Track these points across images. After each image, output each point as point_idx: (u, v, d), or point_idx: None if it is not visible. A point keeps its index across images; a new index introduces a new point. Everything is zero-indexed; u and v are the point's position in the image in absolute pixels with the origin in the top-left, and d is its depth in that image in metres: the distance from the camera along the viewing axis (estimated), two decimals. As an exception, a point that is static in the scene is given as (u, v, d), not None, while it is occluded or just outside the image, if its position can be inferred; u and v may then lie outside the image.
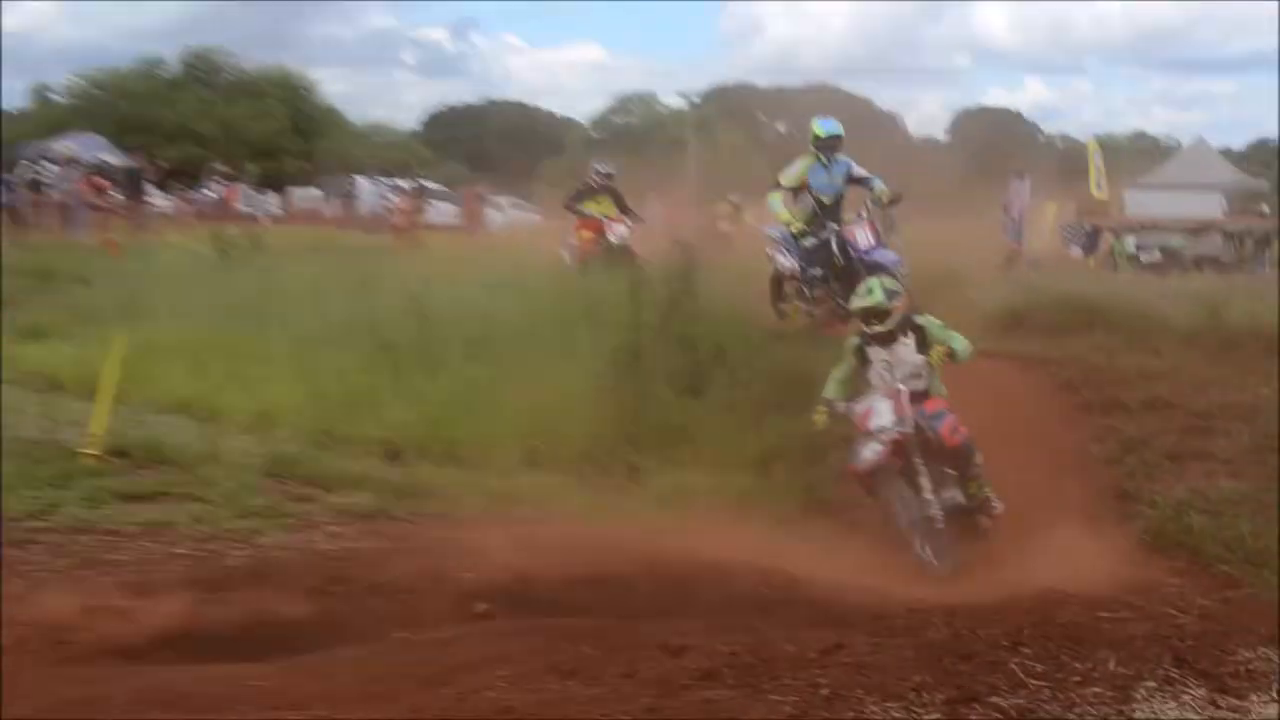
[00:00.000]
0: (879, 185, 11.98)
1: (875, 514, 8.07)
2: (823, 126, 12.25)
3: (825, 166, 12.01)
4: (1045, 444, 9.35)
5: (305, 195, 42.85)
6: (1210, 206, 30.21)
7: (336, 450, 8.53)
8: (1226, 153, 48.13)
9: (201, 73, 56.58)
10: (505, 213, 42.60)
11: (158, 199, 34.10)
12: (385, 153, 55.84)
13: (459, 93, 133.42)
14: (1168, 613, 4.98)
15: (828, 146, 12.03)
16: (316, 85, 59.97)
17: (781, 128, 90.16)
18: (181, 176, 40.54)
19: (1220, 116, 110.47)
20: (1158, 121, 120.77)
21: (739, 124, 79.55)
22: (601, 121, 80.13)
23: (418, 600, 5.61)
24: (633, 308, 10.39)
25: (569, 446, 8.72)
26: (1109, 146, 65.11)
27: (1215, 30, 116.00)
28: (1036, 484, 8.42)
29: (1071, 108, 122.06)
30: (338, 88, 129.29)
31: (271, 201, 39.29)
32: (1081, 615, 5.01)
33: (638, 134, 72.82)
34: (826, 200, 11.96)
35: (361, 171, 42.34)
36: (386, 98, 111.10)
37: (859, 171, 12.17)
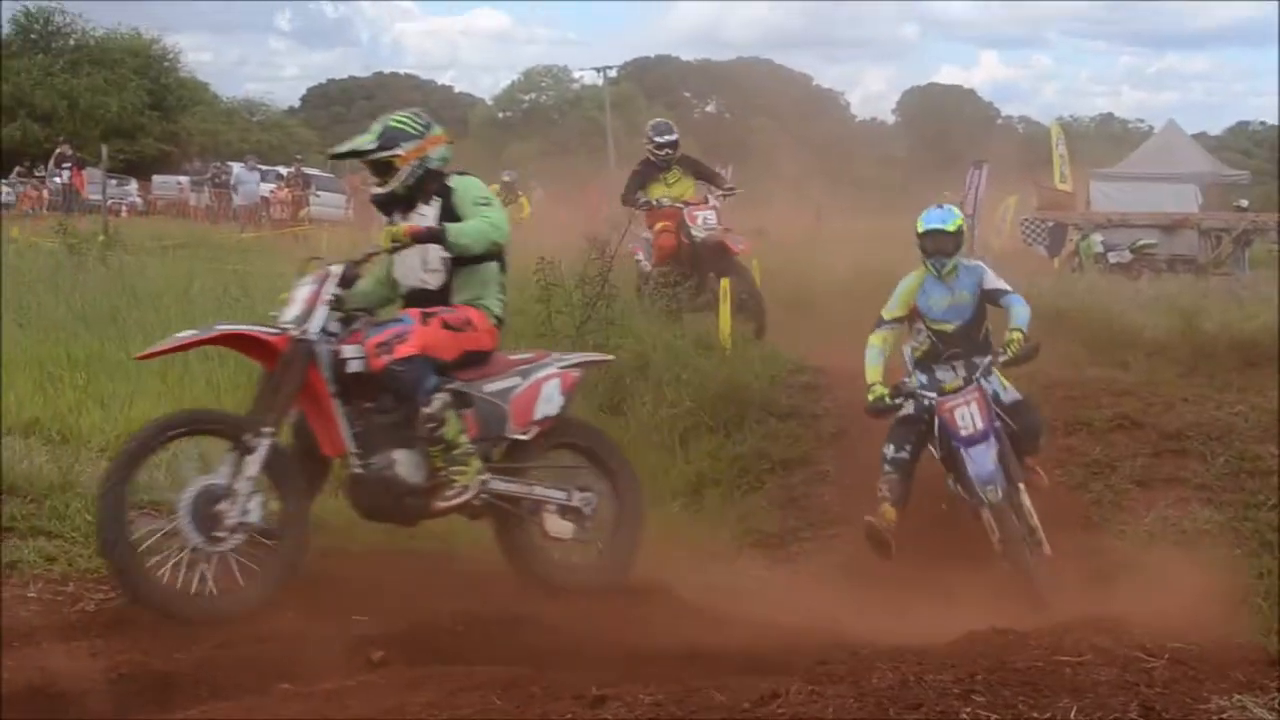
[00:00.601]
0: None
1: (817, 546, 8.24)
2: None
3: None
4: (1003, 468, 9.56)
5: (169, 183, 42.29)
6: (1184, 200, 30.80)
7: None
8: (1202, 138, 49.39)
9: (39, 36, 55.38)
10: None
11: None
12: (260, 134, 55.36)
13: (343, 64, 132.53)
14: (1136, 656, 5.13)
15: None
16: (178, 54, 59.17)
17: (710, 106, 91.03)
18: (20, 159, 39.82)
19: (1194, 98, 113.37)
20: (1126, 103, 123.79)
21: (662, 102, 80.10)
22: (507, 98, 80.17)
23: (305, 647, 5.62)
24: (544, 313, 10.46)
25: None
26: (1073, 131, 66.57)
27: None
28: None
29: (1032, 87, 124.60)
30: (203, 57, 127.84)
31: (130, 190, 38.79)
32: (1040, 659, 5.13)
33: (548, 112, 72.93)
34: None
35: (233, 155, 41.88)
36: (260, 70, 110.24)
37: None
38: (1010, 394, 8.41)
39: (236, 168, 37.09)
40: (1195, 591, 7.60)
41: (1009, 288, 8.66)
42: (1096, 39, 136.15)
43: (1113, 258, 26.66)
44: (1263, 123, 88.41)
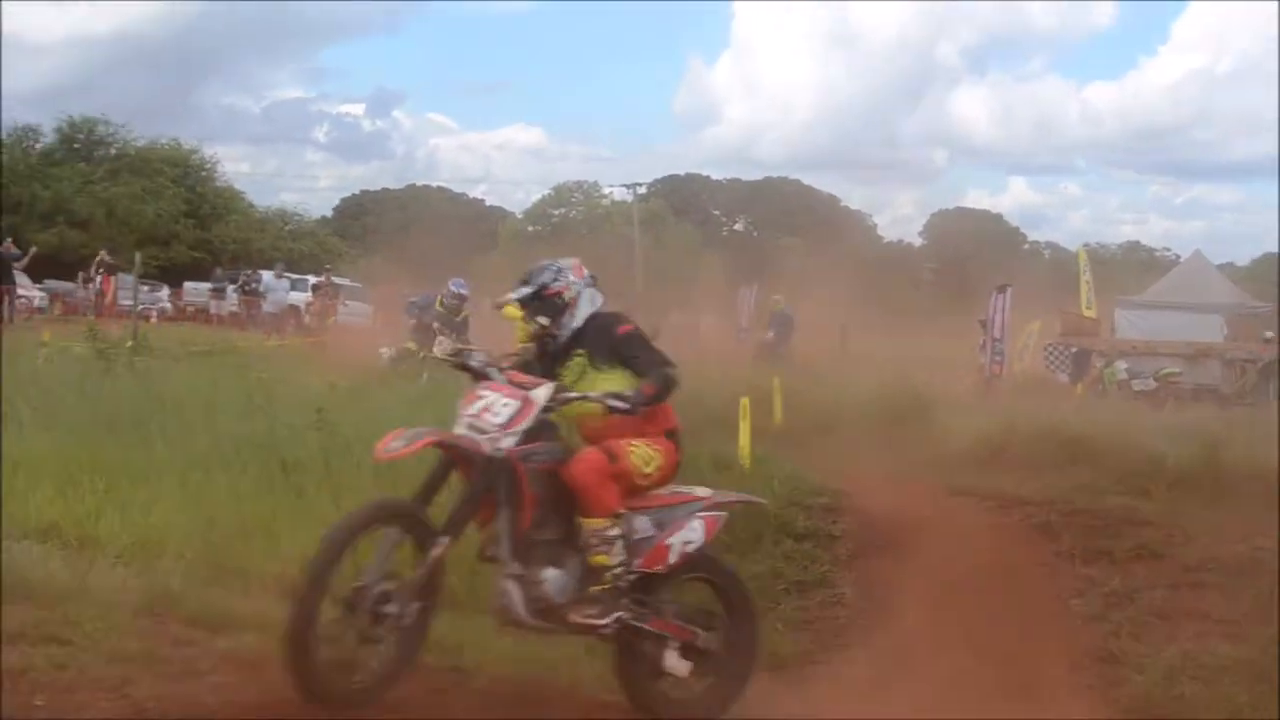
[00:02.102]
0: None
1: (831, 670, 8.16)
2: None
3: None
4: (1021, 596, 9.50)
5: (200, 289, 42.81)
6: (1209, 329, 30.84)
7: (227, 585, 8.43)
8: (1228, 269, 49.51)
9: (81, 145, 56.40)
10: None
11: (28, 289, 33.92)
12: (292, 243, 56.04)
13: (378, 177, 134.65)
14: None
15: None
16: (215, 164, 60.23)
17: (739, 225, 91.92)
18: (57, 264, 40.31)
19: (1221, 228, 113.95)
20: (1153, 231, 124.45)
21: (691, 219, 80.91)
22: (537, 211, 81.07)
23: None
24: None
25: (487, 585, 8.71)
26: (1100, 258, 66.91)
27: (1214, 132, 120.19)
28: (1010, 642, 8.55)
29: (1059, 213, 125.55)
30: (240, 167, 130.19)
31: (162, 295, 39.27)
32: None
33: (577, 227, 73.66)
34: None
35: (265, 264, 42.38)
36: (296, 181, 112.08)
37: None
38: None
39: (266, 275, 37.52)
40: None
41: None
42: (1125, 168, 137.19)
43: (1137, 385, 26.65)
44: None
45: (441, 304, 17.80)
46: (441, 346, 14.02)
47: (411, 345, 17.77)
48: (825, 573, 9.90)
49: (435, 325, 17.65)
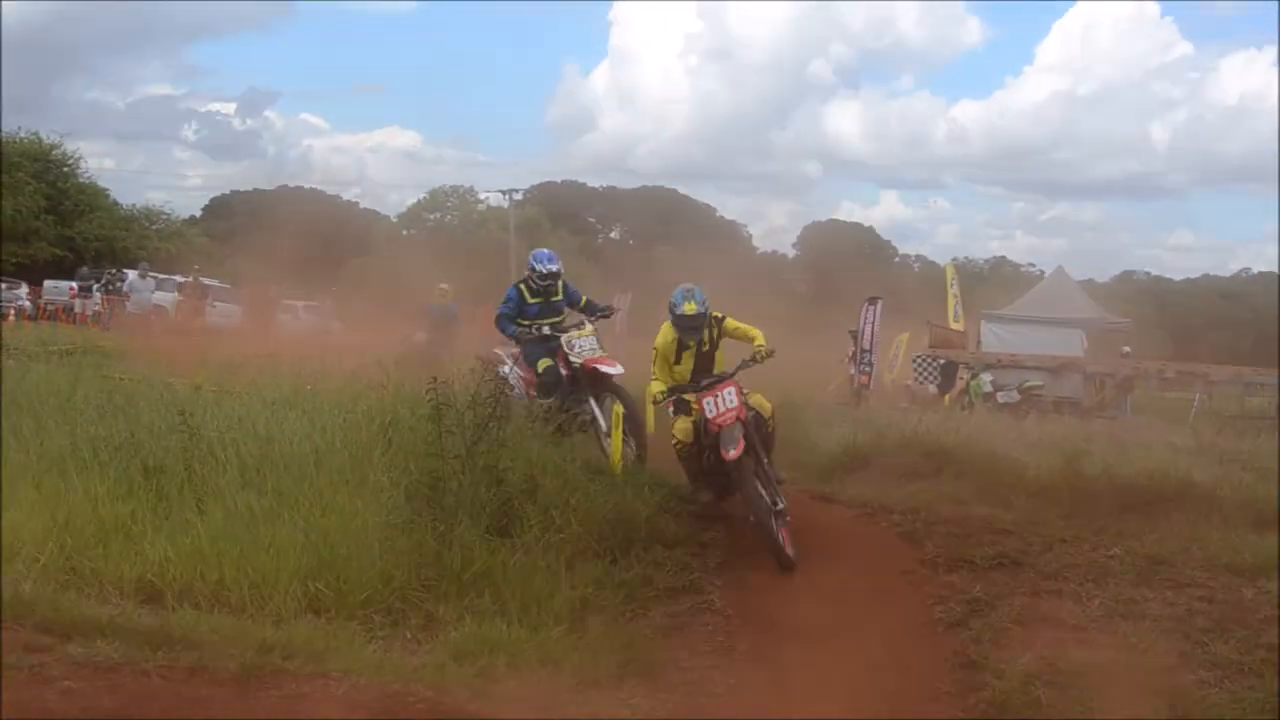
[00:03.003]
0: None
1: (699, 676, 8.21)
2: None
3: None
4: (885, 603, 9.66)
5: (60, 288, 41.72)
6: (1071, 344, 31.60)
7: (82, 591, 8.27)
8: (1089, 285, 50.85)
9: (-69, 136, 54.54)
10: (299, 317, 42.11)
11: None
12: (159, 242, 54.86)
13: (249, 177, 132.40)
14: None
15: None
16: (78, 159, 58.66)
17: (615, 233, 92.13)
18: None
19: (1084, 245, 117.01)
20: (1019, 247, 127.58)
21: (567, 226, 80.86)
22: (412, 215, 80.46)
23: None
24: (435, 433, 10.41)
25: (356, 590, 8.61)
26: (967, 272, 68.34)
27: (1076, 152, 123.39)
28: (874, 648, 8.69)
29: (929, 227, 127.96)
30: (104, 164, 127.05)
31: (20, 294, 38.18)
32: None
33: (453, 231, 73.25)
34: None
35: (130, 262, 41.41)
36: (164, 179, 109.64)
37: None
38: None
39: (130, 275, 36.66)
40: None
41: None
42: (993, 185, 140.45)
43: (1001, 398, 27.22)
44: (1147, 273, 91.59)
45: (527, 286, 14.14)
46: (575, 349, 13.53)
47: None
48: (695, 579, 9.94)
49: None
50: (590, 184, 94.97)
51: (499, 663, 7.93)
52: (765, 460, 10.69)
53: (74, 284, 40.98)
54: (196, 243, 61.07)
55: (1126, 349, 32.71)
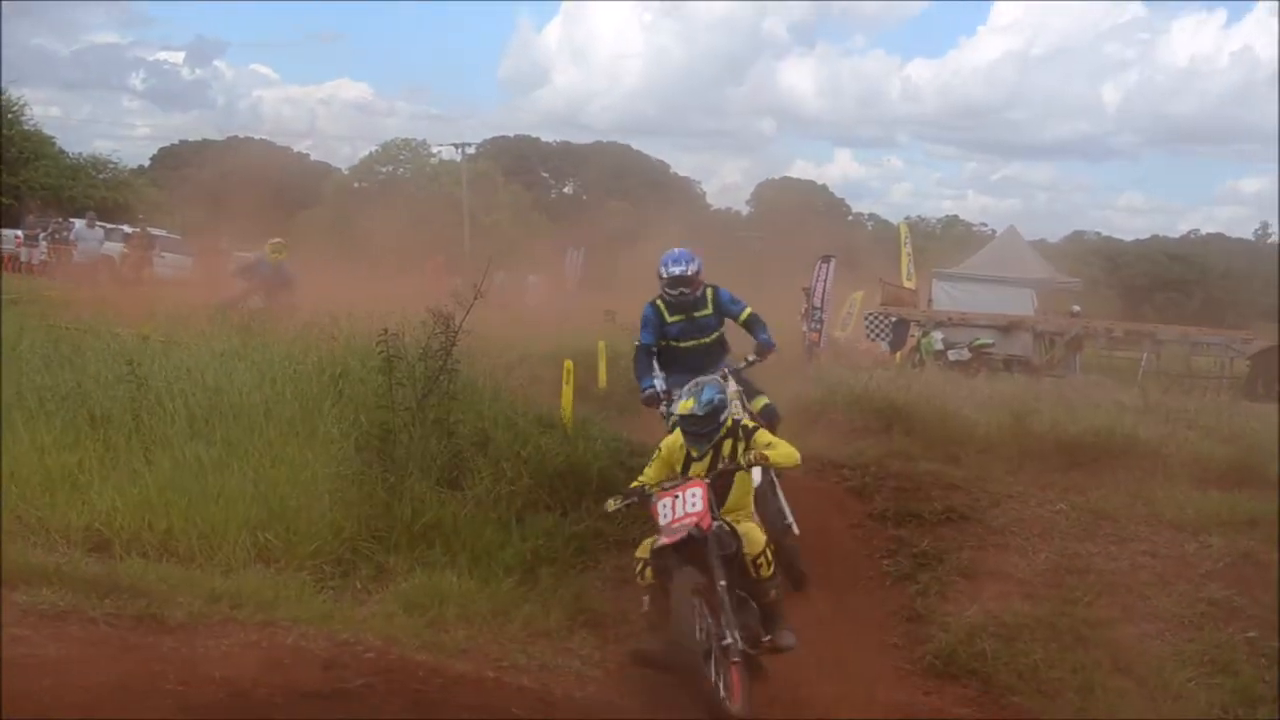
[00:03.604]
0: None
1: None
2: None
3: None
4: (835, 557, 9.75)
5: (6, 237, 41.13)
6: (1021, 303, 31.80)
7: (28, 539, 8.21)
8: (1040, 245, 51.14)
9: None
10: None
11: None
12: (106, 191, 54.15)
13: (198, 127, 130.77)
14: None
15: None
16: (22, 105, 57.72)
17: (568, 188, 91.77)
18: None
19: (1035, 206, 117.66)
20: (971, 207, 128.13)
21: (520, 181, 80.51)
22: (364, 168, 79.77)
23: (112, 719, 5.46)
24: (385, 385, 10.38)
25: (306, 541, 8.60)
26: (920, 231, 68.56)
27: (1029, 112, 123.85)
28: (822, 601, 8.78)
29: (883, 186, 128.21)
30: (50, 111, 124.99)
31: (-36, 242, 37.59)
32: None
33: (405, 185, 72.72)
34: None
35: (76, 212, 40.85)
36: (112, 129, 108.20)
37: None
38: None
39: (77, 224, 36.18)
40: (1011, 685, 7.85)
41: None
42: (946, 144, 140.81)
43: (951, 355, 27.35)
44: (1098, 233, 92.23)
45: (663, 300, 10.14)
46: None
47: None
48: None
49: None
50: (544, 139, 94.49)
51: (449, 613, 7.96)
52: (723, 584, 7.48)
53: (19, 233, 40.42)
54: (145, 193, 60.29)
55: (1076, 308, 32.87)
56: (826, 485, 11.58)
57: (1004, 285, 32.48)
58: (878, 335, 30.91)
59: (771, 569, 7.68)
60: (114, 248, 36.92)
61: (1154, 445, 12.86)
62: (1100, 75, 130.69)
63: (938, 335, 28.51)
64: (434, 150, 78.28)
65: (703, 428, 8.11)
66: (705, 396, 8.09)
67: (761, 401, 10.02)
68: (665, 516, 7.66)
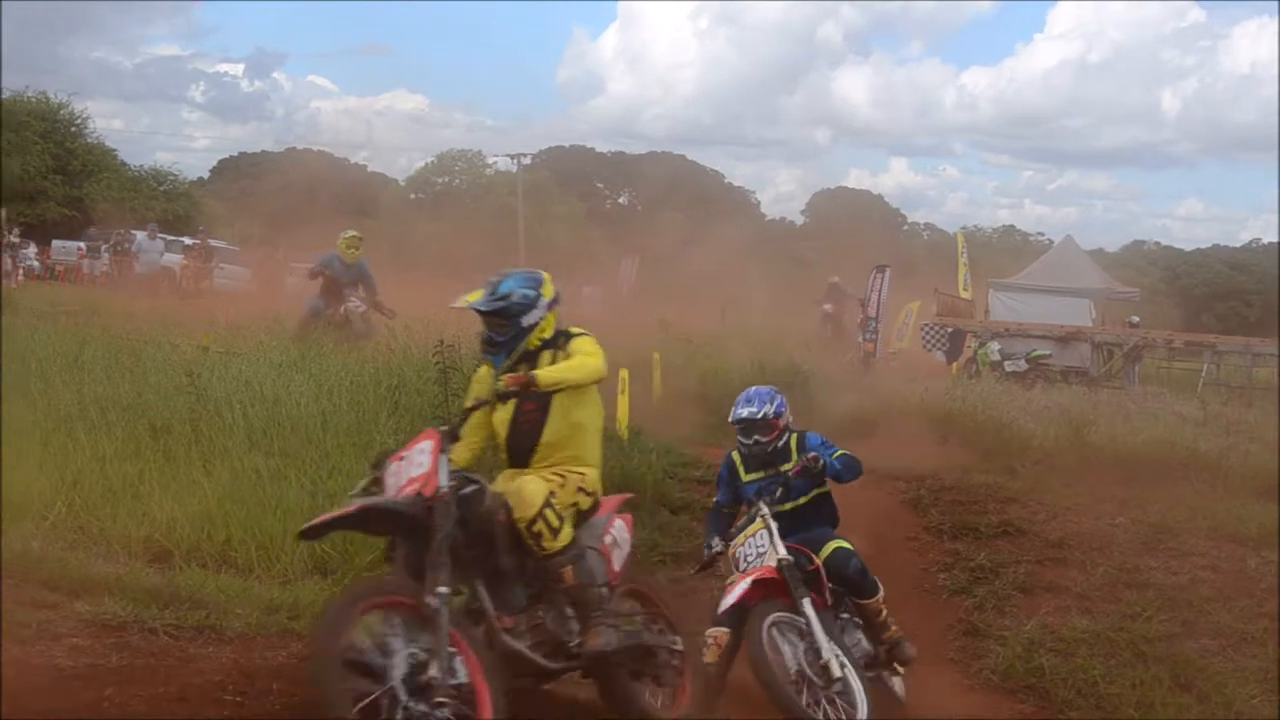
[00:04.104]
0: None
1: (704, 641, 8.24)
2: None
3: None
4: (890, 570, 9.67)
5: (69, 248, 41.70)
6: (1079, 313, 31.55)
7: (90, 550, 8.30)
8: (1098, 254, 50.72)
9: (-62, 95, 54.33)
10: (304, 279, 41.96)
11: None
12: (167, 203, 54.72)
13: (257, 139, 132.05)
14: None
15: None
16: (86, 119, 58.48)
17: (623, 198, 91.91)
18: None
19: (1093, 215, 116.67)
20: (1028, 216, 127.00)
21: (574, 191, 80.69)
22: (420, 179, 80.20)
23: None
24: (441, 396, 10.43)
25: (362, 552, 8.61)
26: (976, 240, 68.11)
27: (1086, 120, 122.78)
28: (878, 614, 8.70)
29: (938, 195, 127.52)
30: (112, 124, 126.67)
31: (29, 254, 38.13)
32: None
33: (461, 196, 73.07)
34: None
35: (138, 224, 41.35)
36: (172, 140, 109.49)
37: None
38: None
39: (139, 236, 36.64)
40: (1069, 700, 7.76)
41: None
42: (1002, 153, 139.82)
43: (1008, 366, 27.13)
44: (1157, 242, 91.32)
45: (739, 453, 8.19)
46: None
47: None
48: (700, 545, 9.98)
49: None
50: (598, 149, 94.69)
51: (504, 625, 7.95)
52: (806, 603, 6.88)
53: (82, 244, 40.98)
54: (205, 204, 60.96)
55: (1135, 319, 32.55)
56: (882, 496, 11.53)
57: (1061, 295, 32.23)
58: (934, 346, 30.71)
59: (561, 536, 6.11)
60: (174, 259, 37.37)
61: (1215, 458, 12.73)
62: (1159, 82, 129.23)
63: (994, 346, 28.28)
64: (489, 161, 78.61)
65: (497, 331, 6.47)
66: (506, 286, 6.47)
67: (831, 547, 7.59)
68: (391, 487, 5.81)
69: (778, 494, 7.46)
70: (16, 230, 35.12)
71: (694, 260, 42.24)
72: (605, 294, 42.40)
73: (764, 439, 7.91)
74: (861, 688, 6.68)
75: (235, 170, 79.94)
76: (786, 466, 7.75)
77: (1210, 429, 14.59)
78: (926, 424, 14.52)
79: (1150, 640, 8.46)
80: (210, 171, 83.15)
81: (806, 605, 6.86)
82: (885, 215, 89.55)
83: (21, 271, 34.43)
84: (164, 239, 37.68)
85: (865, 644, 7.37)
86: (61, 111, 56.47)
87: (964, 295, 34.88)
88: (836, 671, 6.64)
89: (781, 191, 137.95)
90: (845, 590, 7.46)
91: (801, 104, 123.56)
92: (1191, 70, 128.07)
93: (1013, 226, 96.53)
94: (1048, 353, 28.10)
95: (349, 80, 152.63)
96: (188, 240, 40.58)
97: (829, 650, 6.72)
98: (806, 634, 6.81)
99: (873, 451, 13.16)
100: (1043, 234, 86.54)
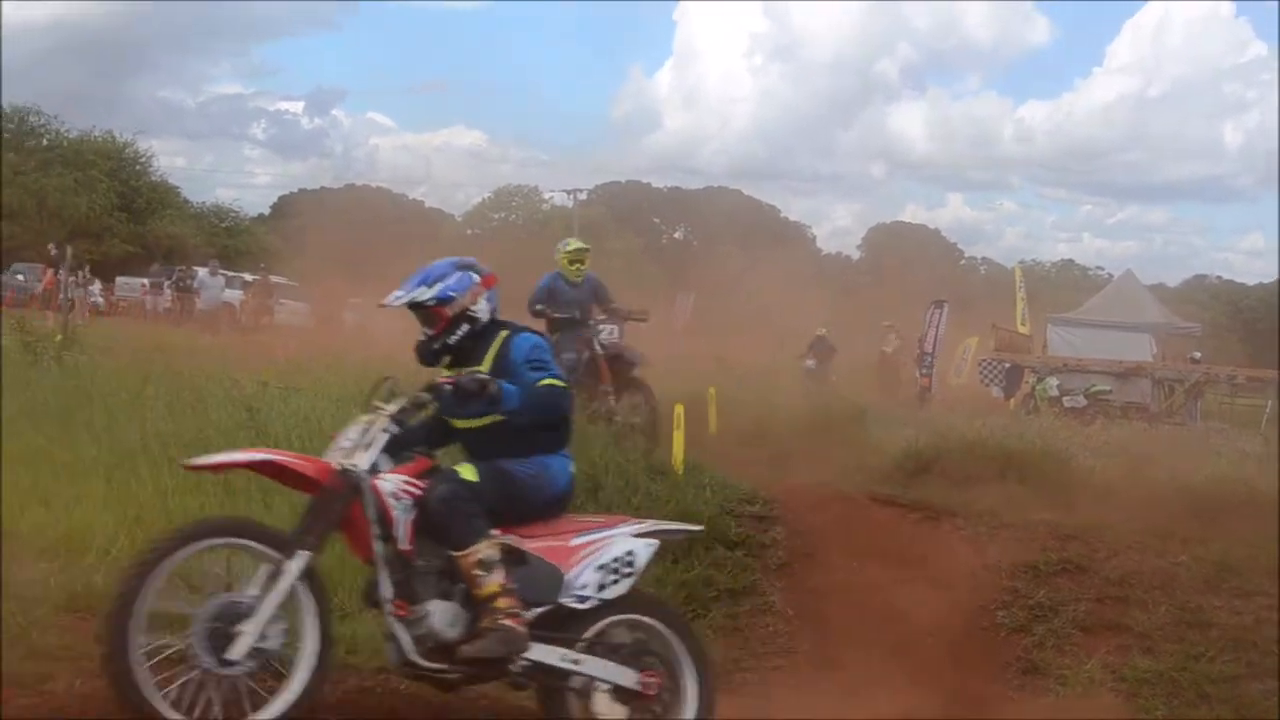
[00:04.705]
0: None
1: (759, 677, 8.20)
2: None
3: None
4: (947, 608, 9.60)
5: (132, 284, 42.33)
6: (1139, 348, 31.26)
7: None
8: (1158, 289, 50.28)
9: (12, 135, 55.32)
10: (364, 315, 42.34)
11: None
12: (228, 239, 55.45)
13: (316, 175, 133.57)
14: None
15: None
16: (150, 157, 59.47)
17: (679, 233, 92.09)
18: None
19: (1153, 249, 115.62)
20: (1087, 250, 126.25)
21: (631, 226, 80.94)
22: (477, 215, 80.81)
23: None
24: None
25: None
26: (1034, 274, 67.70)
27: (1145, 154, 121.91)
28: (935, 653, 8.65)
29: (995, 229, 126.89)
30: (175, 162, 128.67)
31: (93, 290, 38.74)
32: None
33: (517, 231, 73.49)
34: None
35: (200, 260, 41.93)
36: (233, 177, 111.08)
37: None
38: None
39: (201, 272, 37.14)
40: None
41: None
42: (1059, 187, 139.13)
43: (1067, 402, 26.94)
44: (1219, 277, 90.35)
45: None
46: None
47: None
48: (755, 581, 9.95)
49: None
50: (654, 184, 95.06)
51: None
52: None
53: (145, 281, 41.58)
54: (265, 240, 61.71)
55: (1197, 354, 32.21)
56: (940, 533, 11.42)
57: (1121, 330, 31.95)
58: (991, 381, 30.52)
59: None
60: (235, 295, 37.82)
61: (1278, 495, 12.53)
62: (1220, 116, 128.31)
63: (1053, 381, 28.12)
64: (546, 196, 79.10)
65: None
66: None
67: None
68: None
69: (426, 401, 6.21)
70: (86, 268, 35.65)
71: (750, 294, 42.24)
72: (659, 329, 42.42)
73: (433, 331, 6.42)
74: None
75: (295, 206, 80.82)
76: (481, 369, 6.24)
77: (1275, 465, 14.37)
78: (984, 460, 14.38)
79: (1214, 681, 8.34)
80: (271, 208, 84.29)
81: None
82: (942, 250, 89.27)
83: (86, 307, 34.95)
84: (225, 275, 38.15)
85: None
86: (127, 150, 57.47)
87: (1022, 330, 34.69)
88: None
89: (838, 226, 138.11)
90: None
91: (857, 139, 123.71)
92: (1254, 103, 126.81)
93: (1071, 261, 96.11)
94: (1107, 388, 27.89)
95: (407, 117, 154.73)
96: (248, 276, 41.06)
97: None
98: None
99: (929, 487, 13.17)
100: (1102, 268, 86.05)
